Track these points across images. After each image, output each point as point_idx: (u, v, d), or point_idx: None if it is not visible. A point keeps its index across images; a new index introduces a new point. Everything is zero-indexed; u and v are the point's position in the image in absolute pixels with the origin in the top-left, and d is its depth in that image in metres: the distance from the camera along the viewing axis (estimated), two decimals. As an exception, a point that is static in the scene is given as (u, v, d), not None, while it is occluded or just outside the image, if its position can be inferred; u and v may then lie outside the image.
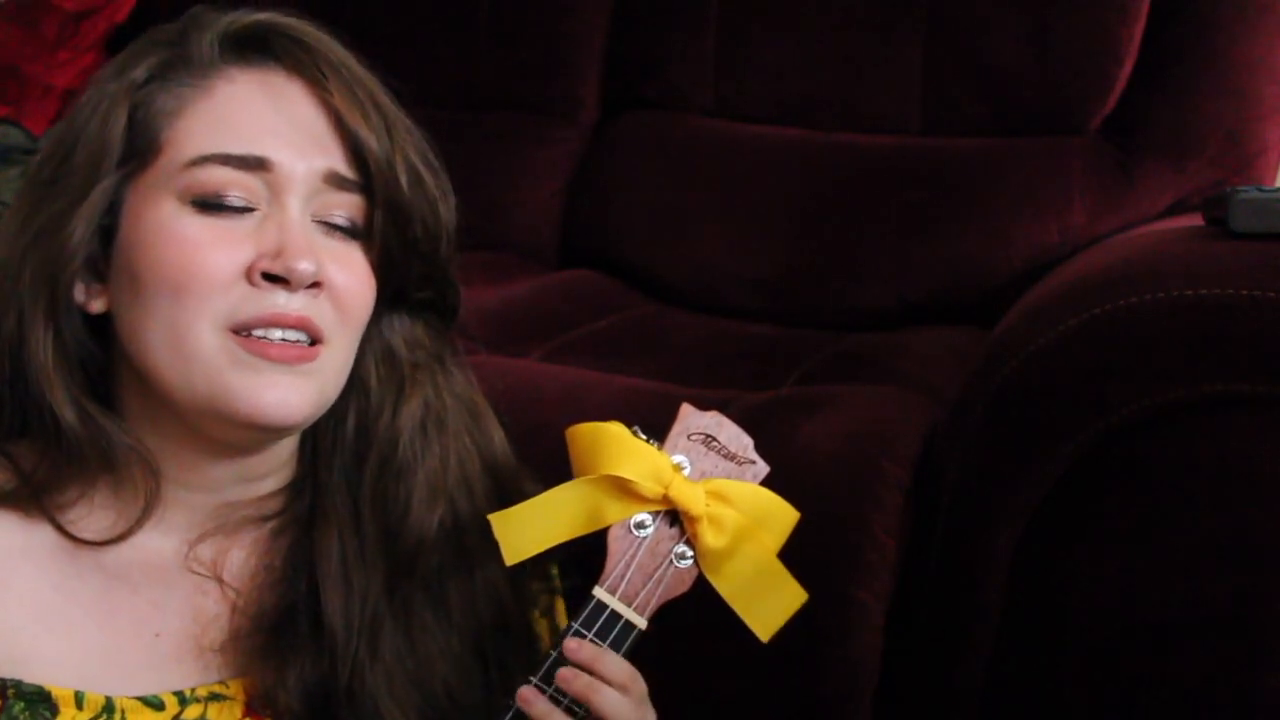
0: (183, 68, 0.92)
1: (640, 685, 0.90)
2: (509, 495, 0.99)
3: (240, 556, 0.97)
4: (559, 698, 0.89)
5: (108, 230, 0.91)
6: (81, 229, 0.90)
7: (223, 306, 0.88)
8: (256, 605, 0.96)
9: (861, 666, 1.24)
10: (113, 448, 0.91)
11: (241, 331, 0.88)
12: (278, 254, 0.88)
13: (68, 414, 0.90)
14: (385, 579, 0.95)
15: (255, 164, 0.89)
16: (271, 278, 0.89)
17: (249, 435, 0.93)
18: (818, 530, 1.23)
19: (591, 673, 0.88)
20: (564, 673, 0.88)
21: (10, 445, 0.94)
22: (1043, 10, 1.76)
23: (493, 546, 0.92)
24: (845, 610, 1.23)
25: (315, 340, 0.91)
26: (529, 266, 1.97)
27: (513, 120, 2.08)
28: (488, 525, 0.92)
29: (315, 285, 0.90)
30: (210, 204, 0.89)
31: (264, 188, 0.90)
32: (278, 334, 0.89)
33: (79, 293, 0.92)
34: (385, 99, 0.96)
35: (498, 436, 1.03)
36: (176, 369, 0.89)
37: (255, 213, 0.90)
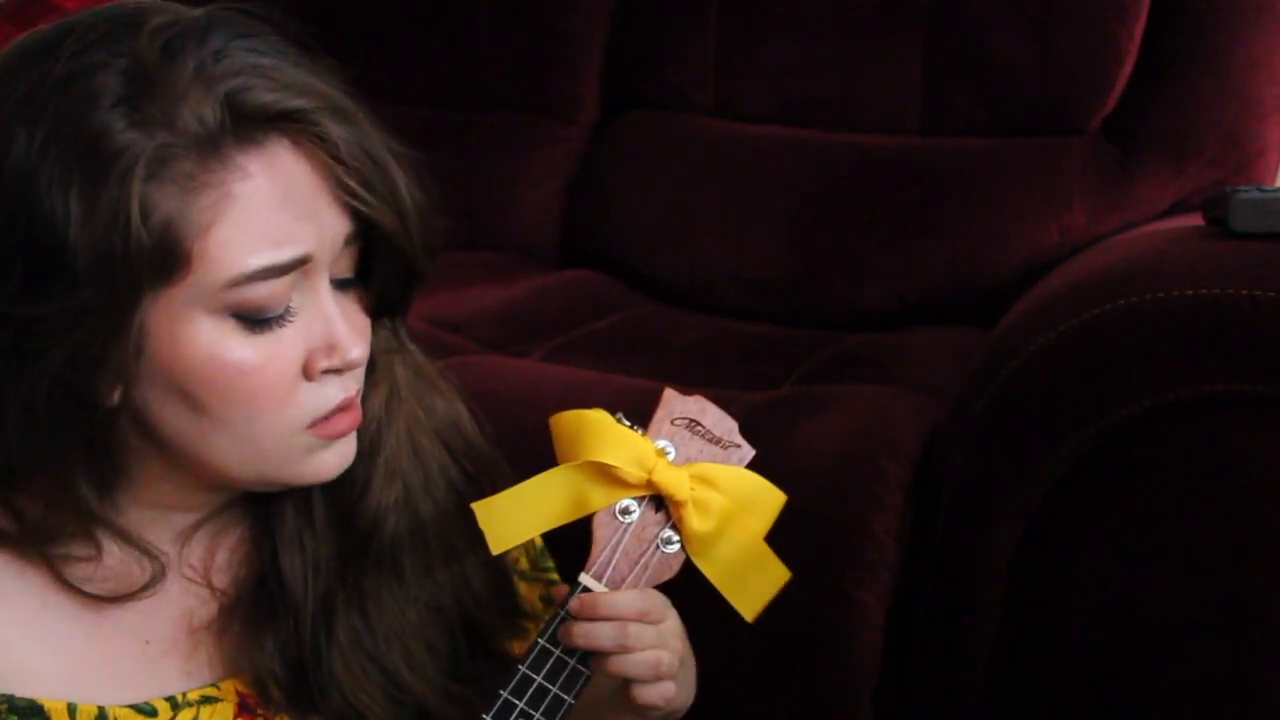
0: (186, 160, 0.80)
1: (657, 613, 0.89)
2: (464, 452, 1.00)
3: (224, 556, 0.97)
4: (549, 684, 0.89)
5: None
6: (129, 359, 0.82)
7: (295, 411, 0.87)
8: (236, 588, 0.96)
9: (861, 666, 1.24)
10: (114, 534, 0.91)
11: (311, 426, 0.88)
12: (331, 349, 0.87)
13: (78, 518, 0.88)
14: (338, 555, 0.95)
15: (298, 264, 0.84)
16: (330, 370, 0.88)
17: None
18: (818, 530, 1.24)
19: (603, 617, 0.88)
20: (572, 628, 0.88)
21: (14, 495, 0.91)
22: (1043, 10, 1.76)
23: (446, 509, 0.92)
24: (845, 610, 1.23)
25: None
26: (529, 266, 1.97)
27: (513, 120, 2.08)
28: (442, 492, 0.93)
29: None
30: (256, 320, 0.84)
31: (297, 279, 0.86)
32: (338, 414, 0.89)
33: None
34: (378, 136, 0.88)
35: (446, 391, 1.02)
36: (250, 466, 0.88)
37: (291, 310, 0.86)
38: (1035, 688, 1.24)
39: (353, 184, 0.85)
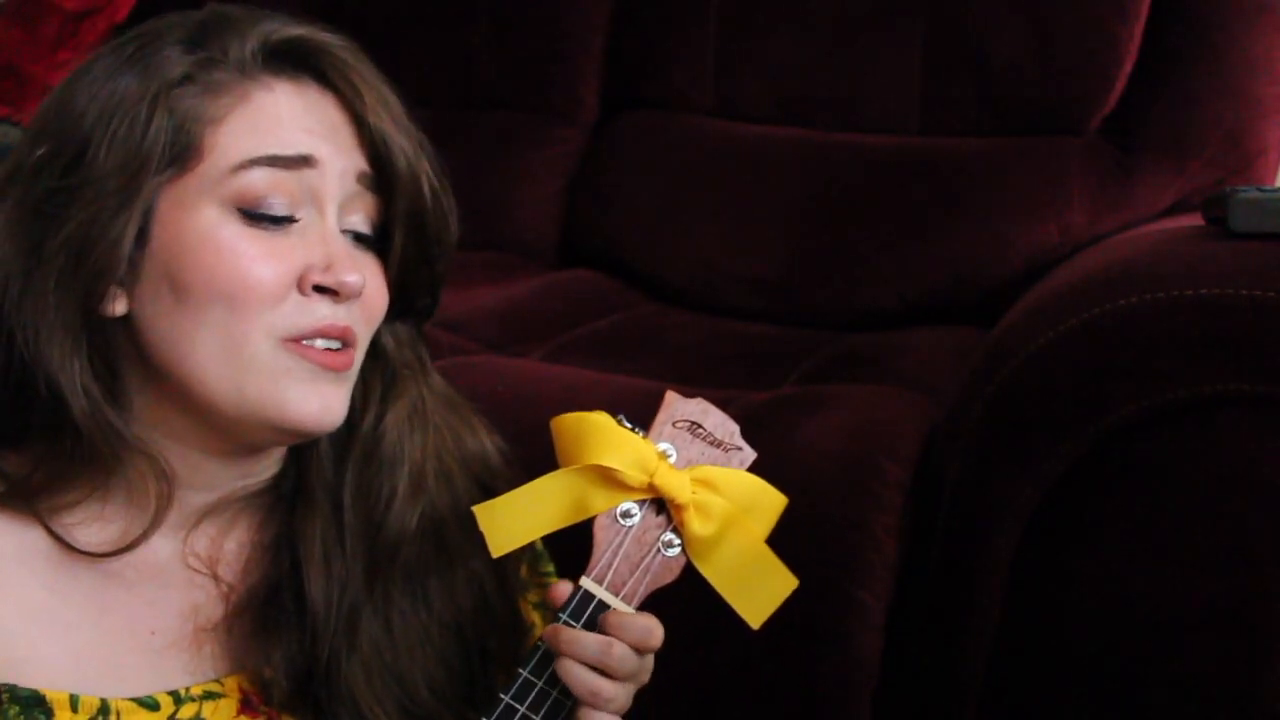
0: (220, 71, 0.91)
1: (621, 664, 0.90)
2: (491, 486, 1.00)
3: (233, 549, 0.97)
4: (549, 689, 0.90)
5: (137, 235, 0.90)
6: (129, 238, 0.89)
7: (277, 318, 0.89)
8: (246, 589, 0.96)
9: (861, 666, 1.24)
10: (124, 448, 0.91)
11: (293, 341, 0.90)
12: (327, 267, 0.90)
13: (86, 420, 0.89)
14: (365, 570, 0.96)
15: (300, 162, 0.90)
16: (321, 289, 0.90)
17: (283, 439, 0.94)
18: (818, 530, 1.24)
19: (566, 655, 0.89)
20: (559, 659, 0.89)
21: (2, 457, 0.93)
22: (1043, 10, 1.76)
23: (474, 536, 0.92)
24: (845, 610, 1.23)
25: (348, 344, 0.92)
26: (529, 266, 1.97)
27: (513, 120, 2.08)
28: (469, 516, 0.93)
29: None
30: (255, 214, 0.89)
31: (305, 191, 0.91)
32: (321, 342, 0.91)
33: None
34: (408, 118, 0.97)
35: (478, 427, 1.04)
36: (229, 377, 0.89)
37: (296, 223, 0.91)
38: (1035, 688, 1.24)
39: (375, 124, 0.94)
